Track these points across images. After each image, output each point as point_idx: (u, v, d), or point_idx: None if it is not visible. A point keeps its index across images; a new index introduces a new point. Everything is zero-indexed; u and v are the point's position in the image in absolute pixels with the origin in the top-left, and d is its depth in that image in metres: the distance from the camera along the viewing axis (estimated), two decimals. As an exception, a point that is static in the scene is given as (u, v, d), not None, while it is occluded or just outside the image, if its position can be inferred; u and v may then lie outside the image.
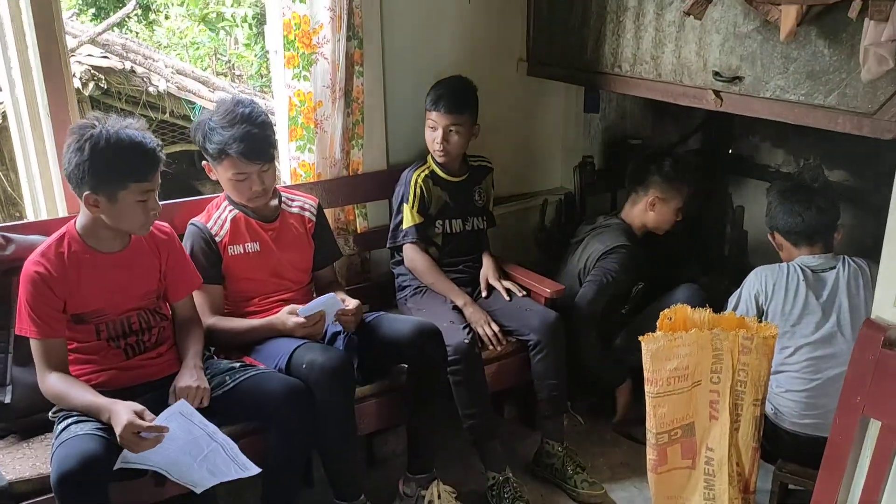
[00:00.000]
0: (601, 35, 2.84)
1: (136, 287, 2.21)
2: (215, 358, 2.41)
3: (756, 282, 2.52)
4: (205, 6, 6.95)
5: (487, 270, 2.97)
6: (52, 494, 1.87)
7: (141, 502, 2.13)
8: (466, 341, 2.59)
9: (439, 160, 2.89)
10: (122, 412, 1.92)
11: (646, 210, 3.10)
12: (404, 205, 2.87)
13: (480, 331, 2.75)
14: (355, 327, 2.47)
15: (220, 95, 4.78)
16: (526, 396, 2.97)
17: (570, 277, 3.06)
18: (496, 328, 2.76)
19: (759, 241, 3.39)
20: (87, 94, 4.56)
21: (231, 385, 2.20)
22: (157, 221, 2.20)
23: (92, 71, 4.61)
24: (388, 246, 2.97)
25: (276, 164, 2.52)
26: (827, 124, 2.19)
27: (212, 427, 2.02)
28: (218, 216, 2.48)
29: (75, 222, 2.13)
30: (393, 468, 2.76)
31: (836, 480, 1.84)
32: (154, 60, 5.14)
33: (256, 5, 6.85)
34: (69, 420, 2.01)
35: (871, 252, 1.95)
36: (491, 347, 2.75)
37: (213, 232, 2.45)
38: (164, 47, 7.07)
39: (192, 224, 2.48)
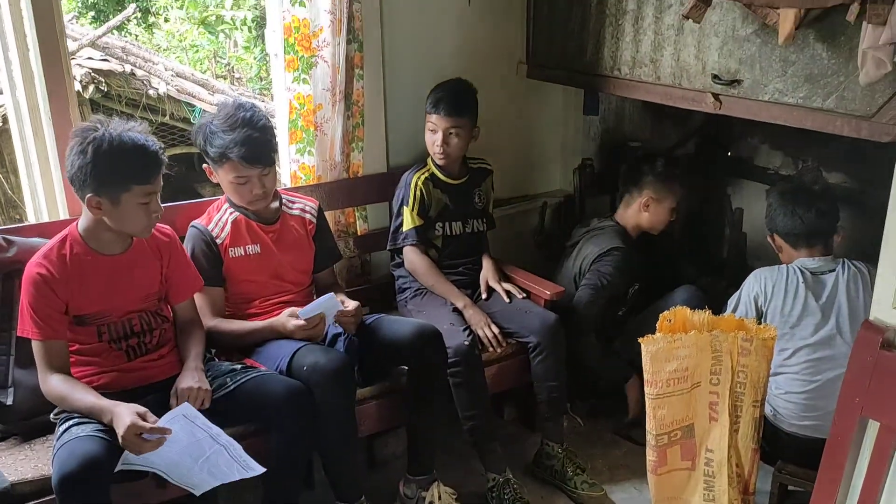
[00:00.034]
0: (600, 38, 2.85)
1: (138, 289, 2.21)
2: (216, 360, 2.42)
3: (755, 283, 2.52)
4: (204, 9, 6.97)
5: (487, 272, 2.98)
6: (53, 496, 1.87)
7: (142, 503, 2.13)
8: (466, 343, 2.59)
9: (439, 163, 2.89)
10: (125, 414, 1.92)
11: (640, 211, 3.11)
12: (404, 207, 2.88)
13: (480, 333, 2.75)
14: (355, 329, 2.47)
15: (219, 98, 4.79)
16: (526, 398, 2.98)
17: (566, 281, 3.06)
18: (496, 330, 2.77)
19: (758, 243, 3.39)
20: (87, 97, 4.57)
21: (232, 387, 2.20)
22: (158, 224, 2.21)
23: (92, 74, 4.63)
24: (388, 248, 2.98)
25: (277, 167, 2.53)
26: (825, 127, 2.19)
27: (216, 429, 2.02)
28: (219, 218, 2.49)
29: (77, 224, 2.13)
30: (393, 470, 2.77)
31: (836, 481, 1.84)
32: (154, 63, 5.16)
33: (256, 8, 6.87)
34: (70, 422, 2.01)
35: (868, 254, 1.96)
36: (491, 349, 2.75)
37: (213, 234, 2.46)
38: (164, 50, 7.08)
39: (192, 226, 2.48)
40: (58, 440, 1.99)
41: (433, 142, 2.84)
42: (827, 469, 1.88)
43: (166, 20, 7.57)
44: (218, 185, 2.51)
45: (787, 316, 2.45)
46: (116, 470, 1.94)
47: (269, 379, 2.22)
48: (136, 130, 2.06)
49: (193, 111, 5.14)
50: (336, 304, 2.41)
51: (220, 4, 6.96)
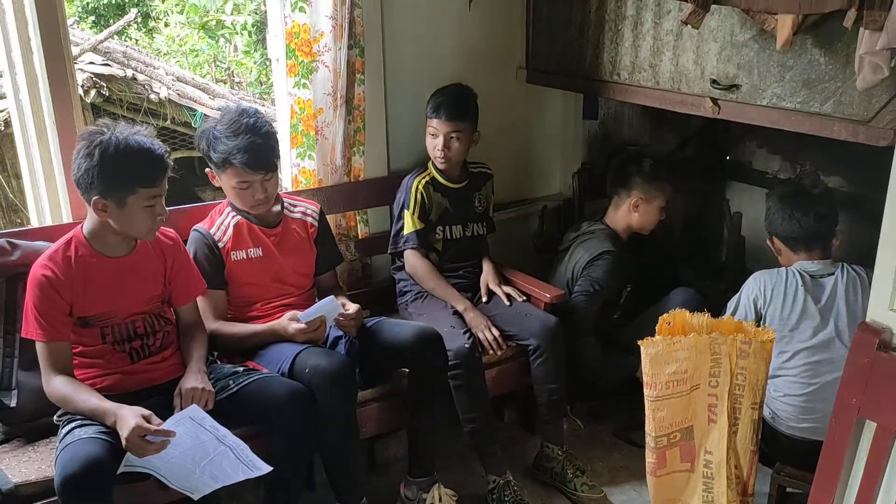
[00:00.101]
0: (600, 43, 2.87)
1: (142, 291, 2.23)
2: (219, 362, 2.43)
3: (755, 286, 2.53)
4: (205, 14, 6.98)
5: (488, 276, 2.99)
6: (56, 497, 1.88)
7: (145, 504, 2.14)
8: (467, 346, 2.60)
9: (440, 167, 2.91)
10: (129, 416, 1.93)
11: (629, 212, 3.11)
12: (405, 211, 2.89)
13: (481, 335, 2.76)
14: (356, 332, 2.48)
15: (220, 103, 4.80)
16: (526, 401, 2.98)
17: (560, 285, 3.06)
18: (496, 333, 2.77)
19: (757, 247, 3.41)
20: (88, 102, 4.58)
21: (234, 389, 2.21)
22: (162, 227, 2.22)
23: (94, 78, 4.64)
24: (389, 252, 2.99)
25: (279, 172, 2.55)
26: (823, 131, 2.21)
27: (223, 430, 2.03)
28: (221, 222, 2.50)
29: (82, 227, 2.15)
30: (394, 472, 2.78)
31: (833, 481, 1.86)
32: (155, 68, 5.17)
33: (256, 13, 6.88)
34: (73, 423, 2.02)
35: (867, 258, 1.97)
36: (491, 352, 2.76)
37: (216, 238, 2.47)
38: (164, 54, 7.09)
39: (195, 230, 2.50)
40: (60, 442, 1.99)
41: (434, 146, 2.86)
42: (824, 469, 1.89)
43: (166, 25, 7.59)
44: (218, 188, 2.52)
45: (787, 319, 2.45)
46: (119, 472, 1.95)
47: (271, 381, 2.23)
48: (142, 134, 2.08)
49: (194, 115, 5.16)
50: (337, 307, 2.42)
51: (221, 9, 6.97)
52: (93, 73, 4.67)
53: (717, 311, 2.34)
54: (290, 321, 2.38)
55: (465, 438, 2.68)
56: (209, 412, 2.08)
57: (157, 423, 1.95)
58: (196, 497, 2.03)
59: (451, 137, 2.83)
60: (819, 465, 1.91)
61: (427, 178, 2.91)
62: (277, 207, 2.58)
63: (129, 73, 4.84)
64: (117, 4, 7.33)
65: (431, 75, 3.02)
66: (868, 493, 1.80)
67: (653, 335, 2.16)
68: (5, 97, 2.66)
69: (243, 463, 2.03)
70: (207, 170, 2.49)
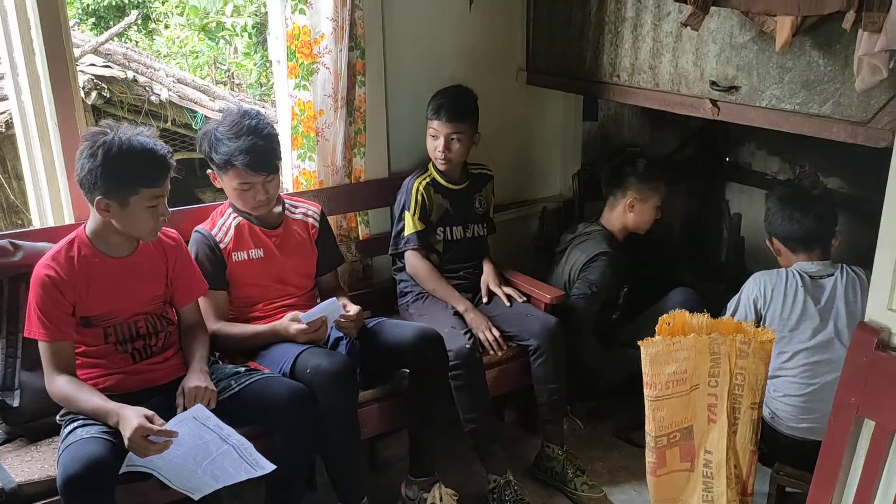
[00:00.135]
0: (600, 45, 2.88)
1: (144, 291, 2.24)
2: (220, 363, 2.43)
3: (755, 287, 2.52)
4: (205, 16, 6.99)
5: (488, 276, 3.00)
6: (59, 497, 1.89)
7: (146, 504, 2.15)
8: (468, 346, 2.61)
9: (441, 168, 2.92)
10: (132, 416, 1.93)
11: (625, 212, 3.12)
12: (406, 212, 2.90)
13: (481, 336, 2.77)
14: (356, 333, 2.49)
15: (221, 105, 4.81)
16: (526, 401, 2.99)
17: (558, 288, 3.06)
18: (497, 333, 2.78)
19: (756, 247, 3.42)
20: (89, 104, 4.59)
21: (236, 389, 2.22)
22: (164, 228, 2.24)
23: (95, 80, 4.64)
24: (389, 252, 3.00)
25: (280, 173, 2.56)
26: (822, 133, 2.22)
27: (228, 429, 2.04)
28: (222, 223, 2.51)
29: (85, 227, 2.16)
30: (395, 472, 2.79)
31: (832, 479, 1.87)
32: (155, 70, 5.18)
33: (256, 15, 6.89)
34: (75, 423, 2.03)
35: (866, 258, 1.98)
36: (492, 352, 2.77)
37: (217, 239, 2.48)
38: (164, 56, 7.10)
39: (196, 231, 2.51)
40: (63, 442, 2.00)
41: (435, 147, 2.87)
42: (823, 467, 1.90)
43: (166, 26, 7.60)
44: (218, 190, 2.53)
45: (787, 319, 2.45)
46: (121, 472, 1.96)
47: (273, 381, 2.24)
48: (145, 135, 2.09)
49: (195, 117, 5.17)
50: (338, 308, 2.42)
51: (221, 11, 6.99)
52: (94, 75, 4.68)
53: (717, 312, 2.35)
54: (292, 322, 2.39)
55: (465, 438, 2.69)
56: (212, 412, 2.09)
57: (160, 424, 1.96)
58: (196, 497, 2.03)
59: (452, 139, 2.84)
60: (818, 463, 1.92)
61: (428, 180, 2.92)
62: (279, 208, 2.59)
63: (130, 74, 4.85)
64: (117, 6, 7.33)
65: (432, 77, 3.03)
66: (867, 490, 1.81)
67: (652, 335, 2.17)
68: (7, 98, 2.66)
69: (246, 462, 2.04)
70: (209, 171, 2.50)
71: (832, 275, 2.47)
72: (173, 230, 2.35)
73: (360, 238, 3.09)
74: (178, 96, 5.08)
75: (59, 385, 2.07)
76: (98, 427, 2.00)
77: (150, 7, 7.53)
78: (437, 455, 2.62)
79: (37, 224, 2.62)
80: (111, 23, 7.01)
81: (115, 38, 5.40)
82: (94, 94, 4.62)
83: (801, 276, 2.49)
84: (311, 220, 2.64)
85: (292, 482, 2.26)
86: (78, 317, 2.13)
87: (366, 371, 2.51)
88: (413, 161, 3.11)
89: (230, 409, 2.17)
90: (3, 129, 4.41)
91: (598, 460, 2.96)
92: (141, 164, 2.05)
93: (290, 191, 2.91)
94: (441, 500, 2.55)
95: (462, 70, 3.14)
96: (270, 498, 2.28)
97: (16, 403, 2.24)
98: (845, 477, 1.87)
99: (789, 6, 2.01)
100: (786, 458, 2.48)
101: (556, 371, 2.76)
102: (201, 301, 2.42)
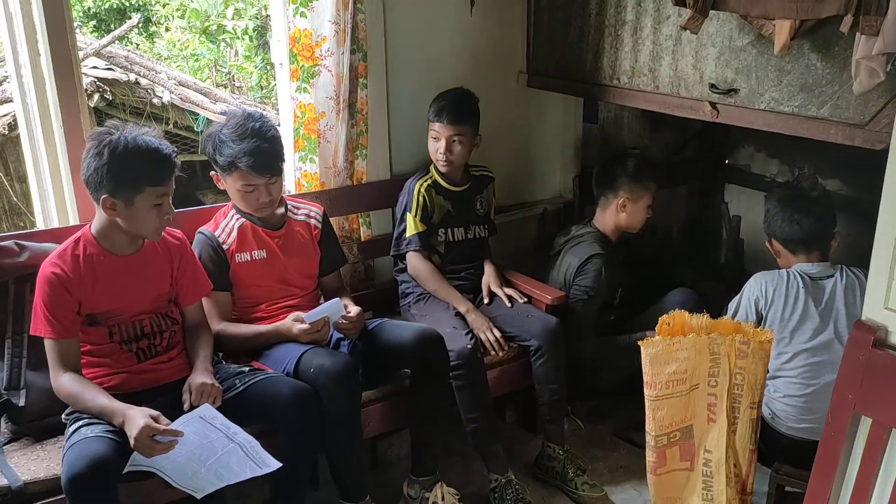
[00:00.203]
0: (600, 48, 2.90)
1: (149, 290, 2.25)
2: (224, 363, 2.45)
3: (756, 287, 2.53)
4: (206, 19, 7.01)
5: (489, 277, 3.02)
6: (64, 495, 1.89)
7: (151, 503, 2.16)
8: (469, 347, 2.62)
9: (442, 170, 2.94)
10: (138, 416, 1.94)
11: (617, 212, 3.12)
12: (407, 213, 2.92)
13: (482, 336, 2.79)
14: (356, 334, 2.51)
15: (223, 107, 4.82)
16: (527, 401, 3.00)
17: None
18: (498, 334, 2.80)
19: (756, 249, 3.44)
20: (92, 106, 4.60)
21: (241, 388, 2.23)
22: (169, 228, 2.25)
23: (97, 83, 4.66)
24: (391, 254, 3.02)
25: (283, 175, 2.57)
26: (820, 135, 2.23)
27: (234, 427, 2.05)
28: (225, 224, 2.53)
29: (90, 226, 2.17)
30: (397, 471, 2.80)
31: (830, 474, 1.88)
32: (157, 72, 5.19)
33: (257, 18, 6.91)
34: (80, 422, 2.03)
35: (864, 259, 1.99)
36: (493, 353, 2.78)
37: (220, 240, 2.50)
38: (165, 59, 7.12)
39: (200, 232, 2.52)
40: (67, 441, 2.01)
41: (436, 149, 2.88)
42: (821, 463, 1.91)
43: (167, 29, 7.61)
44: (220, 191, 2.55)
45: (787, 320, 2.46)
46: (125, 471, 1.97)
47: (277, 381, 2.25)
48: (151, 134, 2.11)
49: (197, 119, 5.18)
50: (340, 308, 2.44)
51: (222, 14, 7.00)
52: (96, 78, 4.69)
53: (716, 312, 2.36)
54: (295, 322, 2.40)
55: (467, 438, 2.70)
56: (217, 410, 2.10)
57: (166, 423, 1.96)
58: (199, 496, 2.04)
59: (453, 141, 2.86)
60: (816, 459, 1.93)
61: (429, 181, 2.94)
62: (281, 210, 2.60)
63: (132, 77, 4.87)
64: (118, 9, 7.35)
65: (433, 79, 3.05)
66: (864, 486, 1.82)
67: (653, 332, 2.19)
68: (10, 101, 2.68)
69: (252, 460, 2.04)
70: (213, 172, 2.51)
71: (832, 276, 2.48)
72: (178, 230, 2.36)
73: (362, 239, 3.10)
74: (180, 99, 5.10)
75: (65, 383, 2.08)
76: (102, 426, 2.01)
77: (152, 10, 7.54)
78: (439, 454, 2.63)
79: (40, 225, 2.64)
80: (112, 26, 7.03)
81: (117, 41, 5.42)
82: (96, 96, 4.63)
83: (801, 277, 2.49)
84: (313, 221, 2.66)
85: (296, 481, 2.27)
86: (83, 315, 2.15)
87: (367, 371, 2.52)
88: (414, 163, 3.12)
89: (234, 409, 2.18)
90: (6, 132, 4.42)
91: (598, 460, 2.97)
92: (146, 162, 2.07)
93: (293, 192, 2.93)
94: (443, 499, 2.56)
95: (463, 72, 3.16)
96: (274, 496, 2.29)
97: (21, 403, 2.24)
98: (843, 472, 1.89)
99: (787, 10, 2.02)
100: (786, 458, 2.48)
101: (556, 371, 2.77)
102: (205, 301, 2.43)
